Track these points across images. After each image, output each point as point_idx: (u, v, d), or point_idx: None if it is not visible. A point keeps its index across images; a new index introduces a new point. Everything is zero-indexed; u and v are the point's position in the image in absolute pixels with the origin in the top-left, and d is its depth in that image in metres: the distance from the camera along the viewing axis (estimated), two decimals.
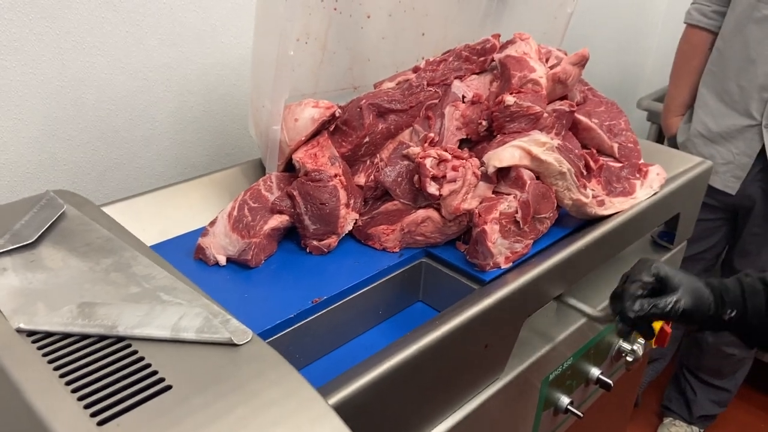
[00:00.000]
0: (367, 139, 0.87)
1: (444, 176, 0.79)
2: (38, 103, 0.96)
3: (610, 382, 1.03)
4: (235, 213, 0.81)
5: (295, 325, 0.72)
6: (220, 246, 0.79)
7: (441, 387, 0.71)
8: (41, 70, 0.95)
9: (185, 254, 0.82)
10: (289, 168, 0.90)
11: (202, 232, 0.81)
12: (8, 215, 0.71)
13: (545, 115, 0.88)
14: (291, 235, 0.86)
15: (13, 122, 0.95)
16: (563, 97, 0.98)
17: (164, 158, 1.18)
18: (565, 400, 0.95)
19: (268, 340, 0.70)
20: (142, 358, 0.53)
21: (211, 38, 1.16)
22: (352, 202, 0.84)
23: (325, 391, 0.58)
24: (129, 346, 0.54)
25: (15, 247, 0.65)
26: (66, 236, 0.69)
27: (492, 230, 0.76)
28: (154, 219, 0.86)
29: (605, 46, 2.21)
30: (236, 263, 0.80)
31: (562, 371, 0.94)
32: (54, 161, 1.01)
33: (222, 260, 0.79)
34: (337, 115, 0.88)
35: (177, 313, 0.57)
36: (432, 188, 0.79)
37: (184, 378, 0.51)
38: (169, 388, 0.50)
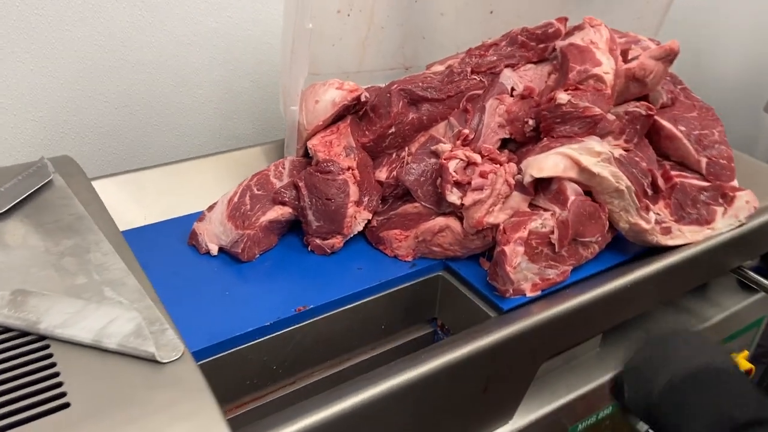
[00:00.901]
0: (392, 130, 0.76)
1: (469, 183, 0.67)
2: (75, 61, 0.93)
3: None
4: (235, 199, 0.74)
5: (273, 334, 0.64)
6: (214, 234, 0.73)
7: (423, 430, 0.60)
8: (80, 28, 0.91)
9: (180, 238, 0.76)
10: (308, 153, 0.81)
11: (199, 216, 0.74)
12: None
13: (609, 118, 0.73)
14: (297, 229, 0.77)
15: (48, 80, 0.93)
16: (643, 98, 0.82)
17: (207, 128, 1.13)
18: None
19: (239, 347, 0.62)
20: (53, 365, 0.46)
21: (262, 4, 1.08)
22: (365, 199, 0.74)
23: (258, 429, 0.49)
24: (47, 347, 0.48)
25: None
26: (40, 210, 0.64)
27: (514, 252, 0.64)
28: (160, 195, 0.81)
29: (733, 35, 1.92)
30: (229, 254, 0.73)
31: (598, 421, 0.80)
32: (88, 122, 0.98)
33: (213, 249, 0.72)
34: (363, 99, 0.78)
35: (110, 314, 0.50)
36: (452, 196, 0.67)
37: (86, 397, 0.44)
38: (66, 406, 0.43)
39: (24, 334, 0.49)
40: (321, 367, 0.71)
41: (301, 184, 0.72)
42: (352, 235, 0.74)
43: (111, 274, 0.56)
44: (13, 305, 0.51)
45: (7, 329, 0.49)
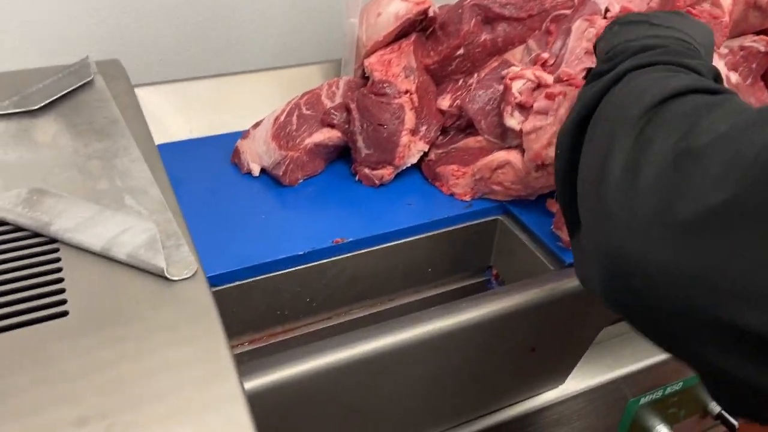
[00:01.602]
0: (461, 51, 0.67)
1: (532, 106, 0.58)
2: None
3: (735, 423, 0.78)
4: (282, 117, 0.68)
5: (306, 265, 0.59)
6: (257, 153, 0.67)
7: (456, 390, 0.54)
8: None
9: (224, 155, 0.71)
10: None
11: (244, 133, 0.69)
12: (37, 78, 0.64)
13: (721, 51, 0.62)
14: (347, 156, 0.71)
15: None
16: (763, 31, 0.69)
17: (268, 41, 1.05)
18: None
19: (270, 275, 0.58)
20: (58, 270, 0.43)
21: None
22: (423, 129, 0.66)
23: (261, 367, 0.44)
24: (56, 251, 0.45)
25: (15, 111, 0.58)
26: (75, 110, 0.61)
27: None
28: (207, 109, 0.76)
29: None
30: (271, 176, 0.68)
31: (664, 396, 0.72)
32: (141, 25, 0.94)
33: (255, 170, 0.67)
34: (432, 14, 0.69)
35: (125, 223, 0.46)
36: (512, 120, 0.58)
37: (86, 307, 0.40)
38: (64, 314, 0.40)
39: (35, 234, 0.46)
40: (359, 305, 0.66)
41: (352, 105, 0.65)
42: (404, 167, 0.67)
43: (134, 182, 0.51)
44: (28, 204, 0.48)
45: (17, 228, 0.46)
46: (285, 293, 0.59)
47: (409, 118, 0.64)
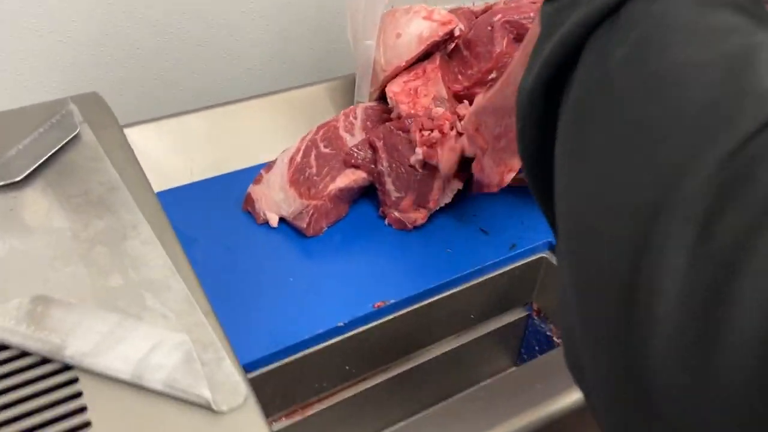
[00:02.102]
0: (494, 75, 0.61)
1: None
2: None
3: None
4: (298, 158, 0.61)
5: (347, 334, 0.53)
6: (273, 201, 0.60)
7: None
8: None
9: (233, 200, 0.64)
10: (386, 97, 0.66)
11: (256, 177, 0.62)
12: (8, 124, 0.55)
13: None
14: (371, 193, 0.64)
15: None
16: None
17: (258, 49, 0.97)
18: None
19: (307, 351, 0.51)
20: (82, 409, 0.36)
21: None
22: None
23: None
24: (74, 381, 0.38)
25: None
26: (65, 175, 0.52)
27: None
28: (208, 145, 0.68)
29: None
30: (290, 225, 0.61)
31: None
32: (114, 62, 0.84)
33: (273, 220, 0.60)
34: (458, 33, 0.62)
35: (152, 336, 0.39)
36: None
37: None
38: None
39: (43, 361, 0.39)
40: (399, 361, 0.61)
41: (378, 144, 0.58)
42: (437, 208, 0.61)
43: (152, 273, 0.44)
44: (32, 319, 0.40)
45: (23, 353, 0.39)
46: (323, 366, 0.54)
47: None
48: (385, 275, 0.56)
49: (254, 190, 0.62)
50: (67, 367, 0.38)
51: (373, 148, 0.59)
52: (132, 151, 0.56)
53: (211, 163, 0.67)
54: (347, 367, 0.56)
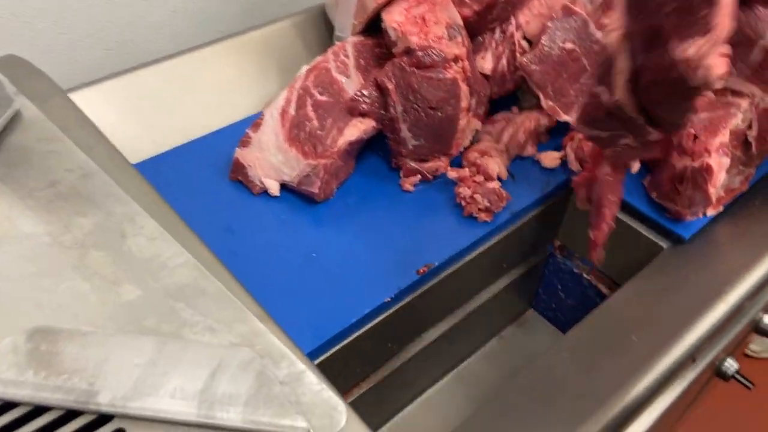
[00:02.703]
0: None
1: None
2: None
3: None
4: (291, 111, 0.51)
5: (392, 309, 0.46)
6: (270, 165, 0.51)
7: None
8: None
9: (216, 170, 0.54)
10: (372, 27, 0.57)
11: (241, 139, 0.52)
12: None
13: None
14: (374, 144, 0.56)
15: None
16: None
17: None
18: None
19: (351, 338, 0.44)
20: None
21: None
22: (473, 101, 0.53)
23: None
24: None
25: None
26: (17, 165, 0.41)
27: (720, 166, 0.46)
28: (167, 107, 0.57)
29: None
30: (294, 191, 0.52)
31: None
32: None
33: (274, 188, 0.51)
34: None
35: (207, 359, 0.31)
36: None
37: None
38: None
39: (70, 414, 0.29)
40: (441, 323, 0.55)
41: (389, 85, 0.50)
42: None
43: (176, 275, 0.35)
44: (38, 362, 0.30)
45: (39, 409, 0.29)
46: (367, 348, 0.47)
47: (465, 94, 0.51)
48: (419, 236, 0.49)
49: (243, 155, 0.52)
50: (105, 418, 0.29)
51: (383, 91, 0.51)
52: (92, 122, 0.45)
53: (176, 127, 0.56)
54: (389, 345, 0.49)
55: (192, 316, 0.33)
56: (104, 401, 0.29)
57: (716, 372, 0.56)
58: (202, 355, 0.31)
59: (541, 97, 0.54)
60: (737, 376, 0.57)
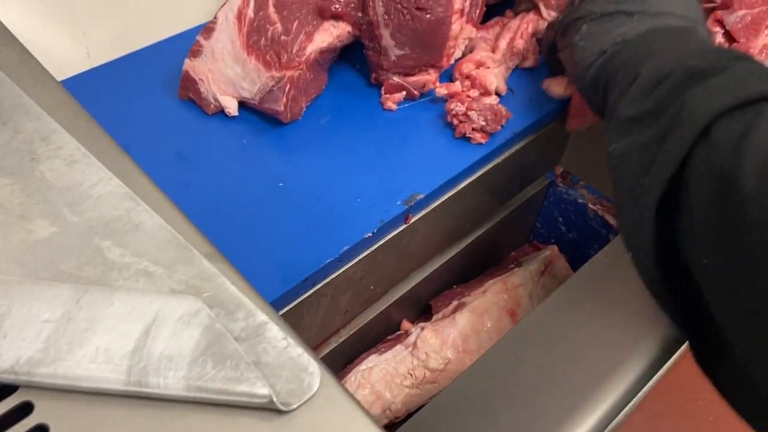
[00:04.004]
0: None
1: None
2: None
3: None
4: (250, 13, 0.43)
5: (374, 246, 0.40)
6: (226, 79, 0.43)
7: None
8: None
9: (161, 87, 0.45)
10: None
11: (192, 47, 0.44)
12: None
13: None
14: (348, 55, 0.48)
15: None
16: None
17: None
18: None
19: (332, 276, 0.38)
20: None
21: None
22: (467, 3, 0.45)
23: None
24: (27, 409, 0.22)
25: None
26: None
27: None
28: (101, 12, 0.48)
29: None
30: (256, 111, 0.44)
31: None
32: None
33: (232, 107, 0.43)
34: None
35: (139, 309, 0.24)
36: None
37: None
38: None
39: None
40: (429, 263, 0.49)
41: None
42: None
43: (102, 206, 0.28)
44: None
45: None
46: (349, 289, 0.41)
47: None
48: (403, 163, 0.42)
49: (193, 67, 0.44)
50: (6, 389, 0.23)
51: None
52: (3, 26, 0.36)
53: (113, 37, 0.47)
54: (371, 287, 0.43)
55: (121, 258, 0.26)
56: (3, 367, 0.22)
57: None
58: (133, 306, 0.24)
59: (542, 6, 0.47)
60: None
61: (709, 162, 0.28)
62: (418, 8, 0.42)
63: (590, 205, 0.53)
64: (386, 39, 0.43)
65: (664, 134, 0.31)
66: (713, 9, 0.43)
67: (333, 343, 0.45)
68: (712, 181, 0.28)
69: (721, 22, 0.41)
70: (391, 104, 0.46)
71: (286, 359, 0.24)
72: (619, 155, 0.33)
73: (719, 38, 0.40)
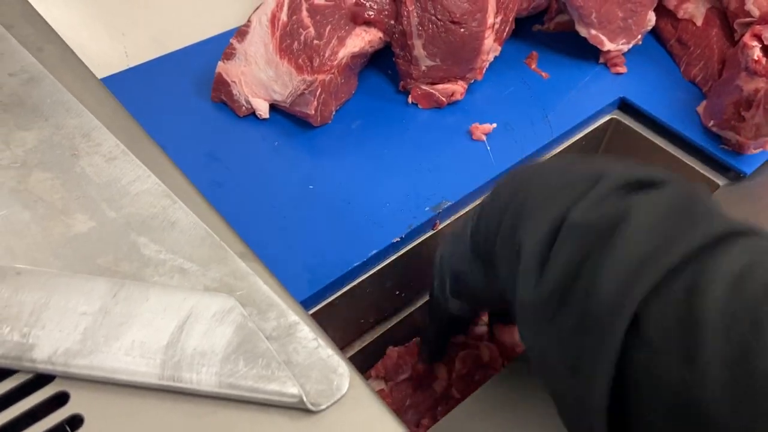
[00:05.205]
0: None
1: None
2: None
3: None
4: (283, 17, 0.43)
5: (401, 251, 0.40)
6: (258, 82, 0.44)
7: None
8: None
9: (195, 89, 0.46)
10: None
11: (225, 50, 0.44)
12: None
13: None
14: (376, 61, 0.49)
15: None
16: None
17: None
18: None
19: (355, 281, 0.38)
20: None
21: None
22: (498, 20, 0.45)
23: None
24: (63, 399, 0.23)
25: None
26: None
27: None
28: (140, 13, 0.49)
29: None
30: (287, 114, 0.45)
31: None
32: None
33: (263, 110, 0.44)
34: None
35: (174, 305, 0.24)
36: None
37: None
38: None
39: (5, 371, 0.23)
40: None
41: None
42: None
43: (139, 203, 0.28)
44: None
45: None
46: (375, 292, 0.41)
47: (492, 8, 0.43)
48: (432, 170, 0.42)
49: (226, 70, 0.44)
50: (43, 379, 0.23)
51: None
52: (42, 17, 0.37)
53: (150, 38, 0.48)
54: (397, 292, 0.43)
55: (157, 254, 0.26)
56: (41, 357, 0.23)
57: None
58: (168, 302, 0.24)
59: (581, 27, 0.47)
60: None
61: (651, 370, 0.22)
62: (452, 21, 0.42)
63: None
64: (418, 49, 0.44)
65: (582, 328, 0.24)
66: (751, 23, 0.43)
67: (357, 346, 0.45)
68: (663, 397, 0.22)
69: (759, 37, 0.40)
70: (480, 134, 0.45)
71: (317, 360, 0.24)
72: (537, 353, 0.27)
73: (757, 53, 0.39)
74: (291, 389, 0.23)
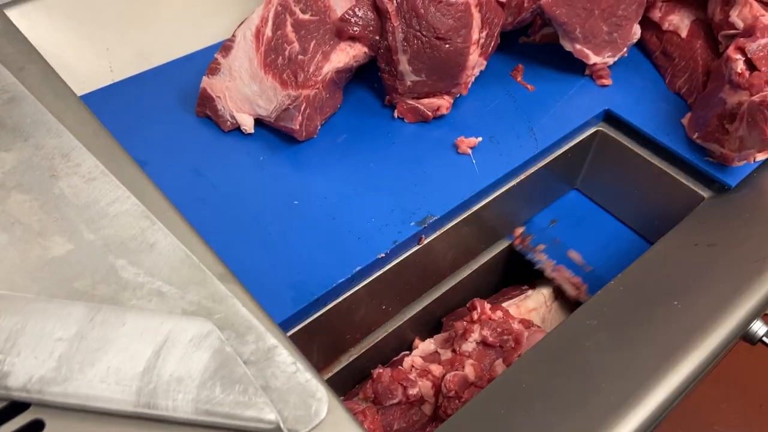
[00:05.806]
0: None
1: None
2: None
3: None
4: (268, 32, 0.43)
5: (386, 267, 0.40)
6: (243, 97, 0.43)
7: None
8: None
9: (179, 104, 0.46)
10: None
11: (209, 65, 0.44)
12: None
13: None
14: (360, 74, 0.49)
15: None
16: None
17: None
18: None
19: (343, 296, 0.38)
20: None
21: None
22: (483, 36, 0.45)
23: None
24: (38, 427, 0.22)
25: None
26: None
27: None
28: (125, 28, 0.49)
29: None
30: (272, 129, 0.45)
31: None
32: None
33: (248, 124, 0.44)
34: None
35: (151, 330, 0.24)
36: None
37: None
38: None
39: None
40: (437, 287, 0.49)
41: (389, 5, 0.42)
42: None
43: (117, 225, 0.28)
44: None
45: None
46: (361, 308, 0.41)
47: (477, 24, 0.43)
48: (417, 184, 0.42)
49: (211, 84, 0.44)
50: (18, 406, 0.23)
51: (380, 13, 0.43)
52: (24, 36, 0.37)
53: (136, 52, 0.48)
54: (383, 307, 0.43)
55: (135, 277, 0.26)
56: (15, 385, 0.23)
57: (743, 335, 0.50)
58: (145, 327, 0.24)
59: (566, 42, 0.47)
60: (765, 340, 0.52)
61: None
62: (437, 38, 0.42)
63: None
64: (403, 65, 0.44)
65: None
66: (735, 36, 0.43)
67: (344, 361, 0.45)
68: None
69: (742, 50, 0.41)
70: (465, 148, 0.45)
71: (295, 384, 0.24)
72: None
73: (740, 66, 0.39)
74: (268, 415, 0.23)
